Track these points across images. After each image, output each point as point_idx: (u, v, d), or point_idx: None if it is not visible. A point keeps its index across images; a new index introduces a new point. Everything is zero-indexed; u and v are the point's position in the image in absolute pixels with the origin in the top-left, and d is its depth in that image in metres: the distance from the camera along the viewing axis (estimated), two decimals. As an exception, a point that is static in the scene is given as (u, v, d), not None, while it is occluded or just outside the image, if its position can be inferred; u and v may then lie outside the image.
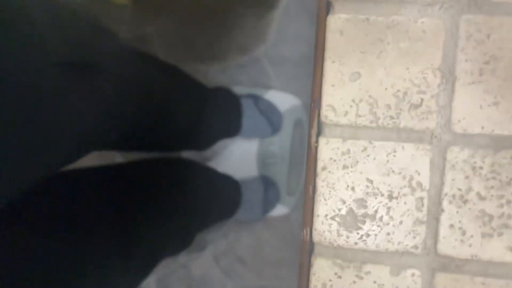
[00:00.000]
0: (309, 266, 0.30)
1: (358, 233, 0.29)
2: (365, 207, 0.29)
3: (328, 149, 0.29)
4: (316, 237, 0.30)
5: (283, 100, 0.92)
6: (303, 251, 0.31)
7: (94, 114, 0.38)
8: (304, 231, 0.32)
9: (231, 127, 0.84)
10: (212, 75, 0.93)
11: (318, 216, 0.30)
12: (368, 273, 0.29)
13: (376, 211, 0.29)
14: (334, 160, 0.29)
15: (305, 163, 0.31)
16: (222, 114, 0.80)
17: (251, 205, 0.87)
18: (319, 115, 0.29)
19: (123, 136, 0.48)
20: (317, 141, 0.30)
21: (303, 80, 0.90)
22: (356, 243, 0.29)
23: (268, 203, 0.89)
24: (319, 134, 0.30)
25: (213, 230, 0.92)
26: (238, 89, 0.90)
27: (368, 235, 0.29)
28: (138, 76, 0.48)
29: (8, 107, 0.26)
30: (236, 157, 0.93)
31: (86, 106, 0.36)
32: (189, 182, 0.69)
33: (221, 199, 0.81)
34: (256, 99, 0.89)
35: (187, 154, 0.91)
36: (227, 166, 0.93)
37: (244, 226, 0.92)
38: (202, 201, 0.71)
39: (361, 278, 0.29)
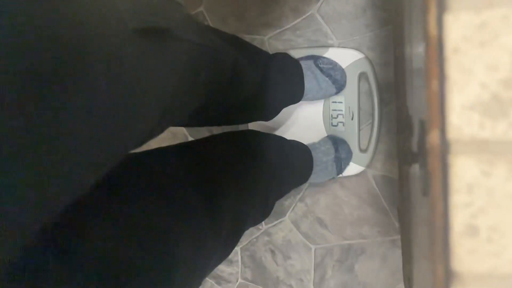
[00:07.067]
0: (444, 169, 0.26)
1: (507, 121, 0.24)
2: (514, 87, 0.24)
3: (458, 26, 0.24)
4: (452, 134, 0.25)
5: (344, 56, 0.88)
6: (433, 156, 0.27)
7: (174, 80, 0.37)
8: (430, 135, 0.28)
9: (294, 92, 0.81)
10: (269, 43, 0.90)
11: (452, 108, 0.25)
12: (525, 166, 0.24)
13: (528, 91, 0.24)
14: (468, 38, 0.24)
15: (425, 55, 0.27)
16: (284, 79, 0.77)
17: (324, 167, 0.83)
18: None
19: (197, 107, 0.48)
20: (440, 21, 0.25)
21: (362, 31, 0.85)
22: (505, 133, 0.24)
23: (341, 163, 0.85)
24: (441, 11, 0.25)
25: (290, 196, 0.90)
26: (296, 53, 0.86)
27: (520, 121, 0.24)
28: (207, 45, 0.47)
29: (95, 75, 0.25)
30: (303, 121, 0.90)
31: (168, 71, 0.35)
32: (260, 153, 0.69)
33: (293, 165, 0.79)
34: (316, 59, 0.85)
35: (252, 127, 0.89)
36: (294, 132, 0.90)
37: (320, 189, 0.89)
38: (275, 170, 0.70)
39: (517, 173, 0.24)
